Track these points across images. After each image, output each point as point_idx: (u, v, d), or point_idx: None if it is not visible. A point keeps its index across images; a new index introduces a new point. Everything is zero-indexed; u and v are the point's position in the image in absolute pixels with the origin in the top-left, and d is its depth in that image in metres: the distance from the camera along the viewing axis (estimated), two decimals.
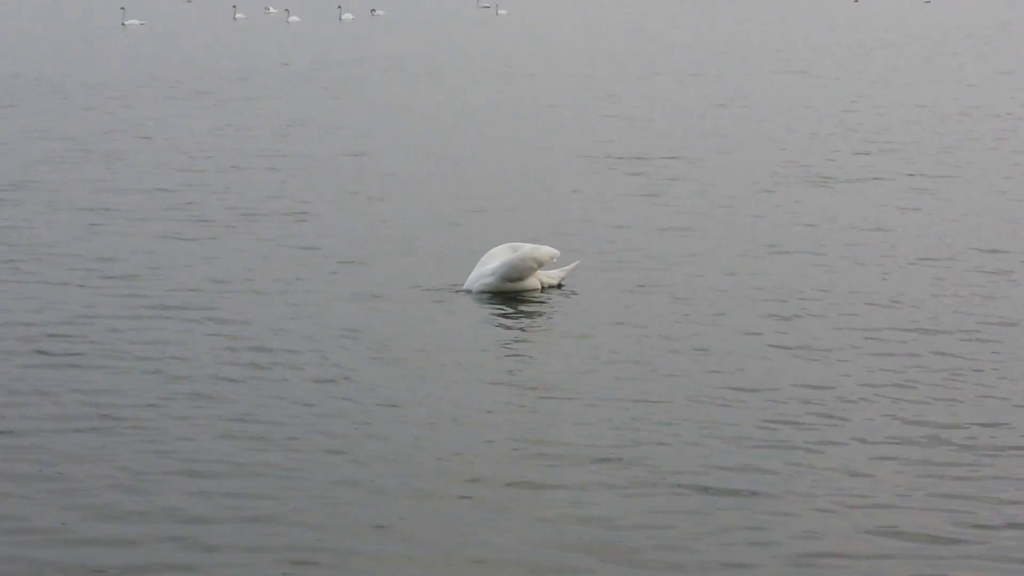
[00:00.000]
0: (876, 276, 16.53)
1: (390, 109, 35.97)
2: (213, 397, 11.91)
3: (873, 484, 10.01)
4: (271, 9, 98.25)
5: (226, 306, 15.08)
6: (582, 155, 27.08)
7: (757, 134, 30.28)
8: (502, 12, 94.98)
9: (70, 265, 17.16)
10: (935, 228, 19.53)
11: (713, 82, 42.81)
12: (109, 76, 44.90)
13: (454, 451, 10.65)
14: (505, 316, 14.90)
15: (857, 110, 34.75)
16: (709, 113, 34.39)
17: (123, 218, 20.43)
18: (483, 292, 15.68)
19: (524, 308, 15.24)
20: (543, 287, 15.91)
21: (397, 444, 10.79)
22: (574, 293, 15.83)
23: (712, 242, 18.61)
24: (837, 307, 15.01)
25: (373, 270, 17.01)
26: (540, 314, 15.03)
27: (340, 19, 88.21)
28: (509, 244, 16.06)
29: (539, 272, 15.85)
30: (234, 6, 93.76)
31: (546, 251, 15.82)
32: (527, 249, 15.78)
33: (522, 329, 14.47)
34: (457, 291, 15.75)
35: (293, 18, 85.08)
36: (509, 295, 15.62)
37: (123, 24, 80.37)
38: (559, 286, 16.00)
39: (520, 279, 15.74)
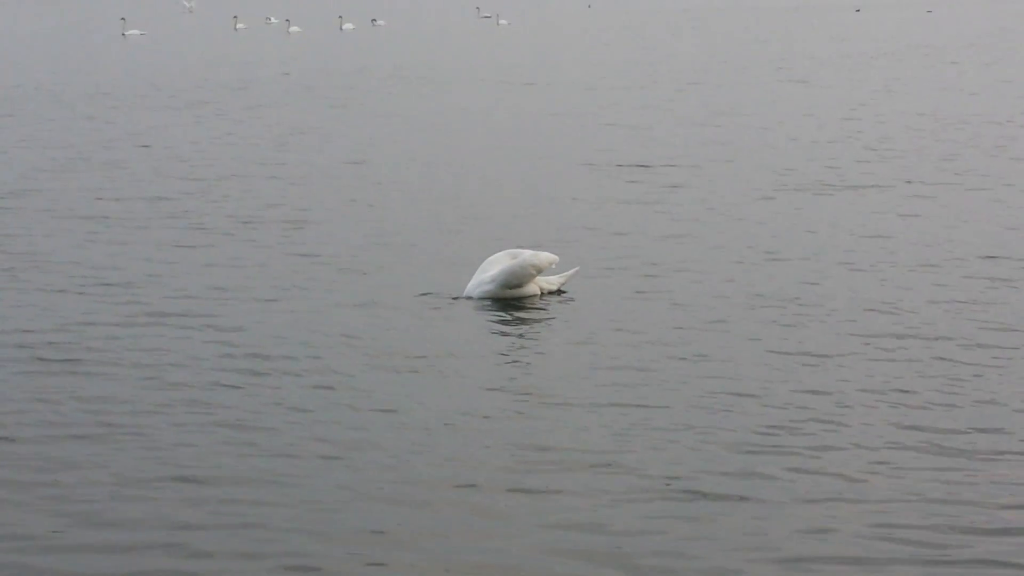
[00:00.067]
0: (875, 282, 16.50)
1: (390, 118, 35.99)
2: (211, 404, 11.90)
3: (871, 490, 9.98)
4: (272, 19, 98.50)
5: (225, 313, 15.08)
6: (582, 162, 27.07)
7: (757, 142, 30.26)
8: (503, 22, 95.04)
9: (69, 273, 17.17)
10: (935, 235, 19.49)
11: (714, 90, 42.81)
12: (110, 86, 44.96)
13: (452, 457, 10.63)
14: (504, 322, 14.88)
15: (858, 118, 34.73)
16: (709, 121, 34.37)
17: (122, 226, 20.45)
18: (483, 299, 15.67)
19: (523, 314, 15.23)
20: (542, 293, 15.90)
21: (395, 450, 10.77)
22: (573, 299, 15.81)
23: (711, 248, 18.58)
24: (836, 313, 14.98)
25: (372, 277, 17.01)
26: (539, 320, 15.01)
27: (341, 29, 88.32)
28: (508, 250, 16.05)
29: (538, 278, 15.84)
30: (235, 16, 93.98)
31: (545, 257, 15.81)
32: (526, 255, 15.77)
33: (521, 335, 14.45)
34: (457, 298, 15.74)
35: (294, 28, 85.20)
36: (509, 301, 15.61)
37: (124, 34, 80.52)
38: (559, 292, 15.99)
39: (519, 285, 15.72)
